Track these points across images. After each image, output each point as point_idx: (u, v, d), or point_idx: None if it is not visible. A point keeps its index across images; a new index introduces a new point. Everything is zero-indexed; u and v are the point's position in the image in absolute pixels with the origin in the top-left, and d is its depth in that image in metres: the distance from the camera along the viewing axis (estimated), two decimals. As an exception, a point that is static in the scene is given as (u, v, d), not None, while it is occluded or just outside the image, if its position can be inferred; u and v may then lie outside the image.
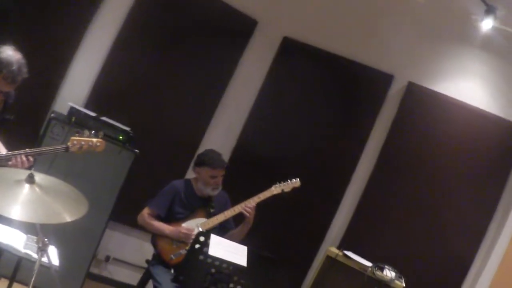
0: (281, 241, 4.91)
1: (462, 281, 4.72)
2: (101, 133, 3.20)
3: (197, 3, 4.91)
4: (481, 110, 4.87)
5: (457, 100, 4.93)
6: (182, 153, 4.99)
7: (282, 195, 4.04)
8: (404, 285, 4.24)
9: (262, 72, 5.27)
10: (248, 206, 3.92)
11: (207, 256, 3.09)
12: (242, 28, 5.14)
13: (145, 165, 4.51)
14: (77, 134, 3.12)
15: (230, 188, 4.18)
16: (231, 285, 3.18)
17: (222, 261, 3.12)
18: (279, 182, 4.05)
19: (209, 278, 3.14)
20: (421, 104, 4.97)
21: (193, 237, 3.62)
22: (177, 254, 3.82)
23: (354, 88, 5.15)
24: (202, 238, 3.16)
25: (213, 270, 3.13)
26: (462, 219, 4.74)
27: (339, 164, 5.11)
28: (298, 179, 4.08)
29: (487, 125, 4.82)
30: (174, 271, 3.77)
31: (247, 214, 3.93)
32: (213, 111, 5.16)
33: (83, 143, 3.08)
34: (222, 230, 4.01)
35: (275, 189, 4.03)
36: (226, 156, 4.69)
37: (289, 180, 4.07)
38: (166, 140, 4.95)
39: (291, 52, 5.25)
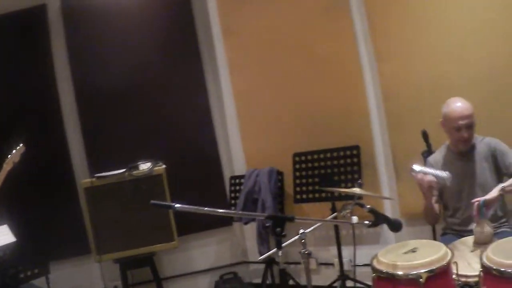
0: (37, 204, 4.63)
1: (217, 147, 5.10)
2: None
3: None
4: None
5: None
6: None
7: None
8: (164, 166, 4.46)
9: None
10: None
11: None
12: None
13: None
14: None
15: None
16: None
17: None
18: (7, 157, 3.83)
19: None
20: (86, 15, 4.92)
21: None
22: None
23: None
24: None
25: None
26: (182, 92, 5.01)
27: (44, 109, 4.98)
28: (21, 144, 3.88)
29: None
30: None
31: None
32: None
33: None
34: None
35: (7, 165, 3.82)
36: None
37: (14, 150, 3.86)
38: None
39: None
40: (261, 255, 4.35)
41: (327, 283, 4.23)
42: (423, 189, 3.11)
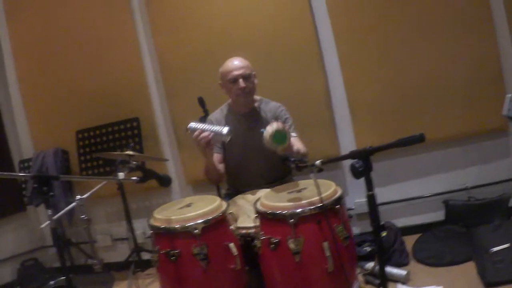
0: None
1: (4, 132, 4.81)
2: None
3: None
4: None
5: None
6: None
7: None
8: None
9: None
10: None
11: None
12: None
13: None
14: None
15: None
16: None
17: None
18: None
19: None
20: None
21: None
22: None
23: None
24: None
25: None
26: None
27: None
28: None
29: None
30: None
31: None
32: None
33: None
34: None
35: None
36: None
37: None
38: None
39: None
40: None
41: (124, 258, 4.21)
42: (201, 147, 2.94)
